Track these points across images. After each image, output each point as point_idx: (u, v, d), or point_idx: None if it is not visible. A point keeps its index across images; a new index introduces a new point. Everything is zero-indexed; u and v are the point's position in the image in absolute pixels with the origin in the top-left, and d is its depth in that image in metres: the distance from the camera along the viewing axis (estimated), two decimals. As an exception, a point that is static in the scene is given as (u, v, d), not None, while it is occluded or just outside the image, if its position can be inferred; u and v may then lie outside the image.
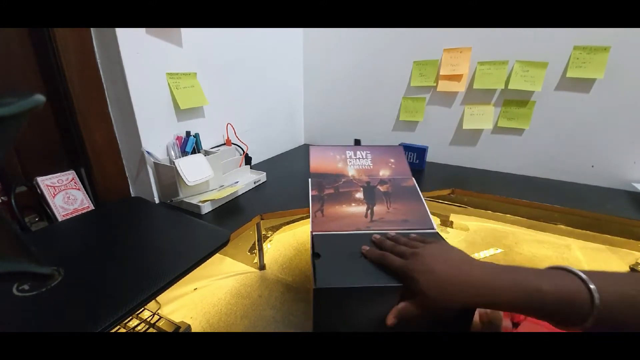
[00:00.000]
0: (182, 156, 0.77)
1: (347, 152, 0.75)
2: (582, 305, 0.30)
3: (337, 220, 0.60)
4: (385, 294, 0.43)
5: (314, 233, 0.56)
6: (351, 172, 0.72)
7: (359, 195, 0.67)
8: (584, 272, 0.32)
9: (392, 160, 0.76)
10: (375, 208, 0.65)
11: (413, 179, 0.73)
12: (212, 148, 0.89)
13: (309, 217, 0.61)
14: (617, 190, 0.89)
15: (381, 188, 0.69)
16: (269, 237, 0.89)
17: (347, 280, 0.44)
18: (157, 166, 0.75)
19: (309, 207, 0.65)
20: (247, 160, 0.95)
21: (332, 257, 0.50)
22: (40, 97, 0.31)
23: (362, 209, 0.64)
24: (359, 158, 0.75)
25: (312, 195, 0.66)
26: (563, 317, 0.32)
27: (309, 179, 0.69)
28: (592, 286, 0.30)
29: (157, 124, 0.75)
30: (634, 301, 0.30)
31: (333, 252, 0.51)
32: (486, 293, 0.35)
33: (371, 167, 0.74)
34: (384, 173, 0.73)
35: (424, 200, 0.67)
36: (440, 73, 1.05)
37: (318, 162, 0.72)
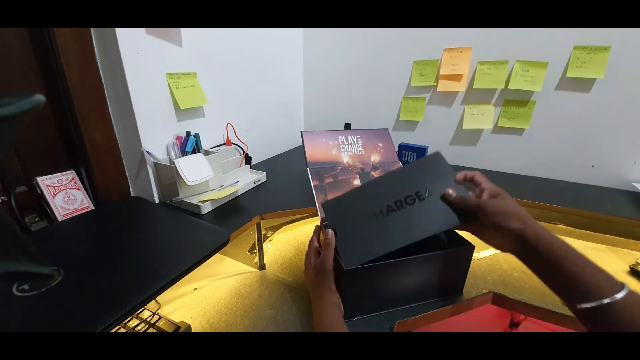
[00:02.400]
0: (182, 156, 0.77)
1: (340, 137, 0.76)
2: (600, 288, 0.33)
3: None
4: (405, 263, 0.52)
5: (325, 223, 0.61)
6: (345, 158, 0.74)
7: (357, 182, 0.71)
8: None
9: (381, 145, 0.79)
10: None
11: (399, 162, 0.78)
12: (212, 148, 0.89)
13: (315, 208, 0.64)
14: (617, 190, 0.89)
15: (374, 174, 0.74)
16: (269, 237, 0.89)
17: (372, 252, 0.50)
18: (157, 166, 0.75)
19: (309, 204, 0.66)
20: (247, 160, 0.95)
21: (348, 228, 0.53)
22: (40, 97, 0.31)
23: None
24: (350, 143, 0.77)
25: (314, 186, 0.67)
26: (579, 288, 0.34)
27: (308, 169, 0.69)
28: (625, 286, 0.33)
29: (157, 124, 0.75)
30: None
31: (347, 222, 0.55)
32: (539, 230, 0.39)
33: (362, 152, 0.76)
34: (375, 158, 0.76)
35: None
36: (440, 73, 1.05)
37: (313, 149, 0.73)
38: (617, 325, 0.31)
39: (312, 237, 0.60)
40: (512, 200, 0.44)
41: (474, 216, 0.45)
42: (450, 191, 0.49)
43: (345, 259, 0.50)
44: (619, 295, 0.32)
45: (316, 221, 0.96)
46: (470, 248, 0.55)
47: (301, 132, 0.74)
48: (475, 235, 0.47)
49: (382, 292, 0.54)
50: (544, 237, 0.39)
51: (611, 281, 0.34)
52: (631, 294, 0.32)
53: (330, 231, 0.53)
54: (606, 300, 0.32)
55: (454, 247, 0.56)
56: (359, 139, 0.78)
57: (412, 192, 0.52)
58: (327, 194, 0.68)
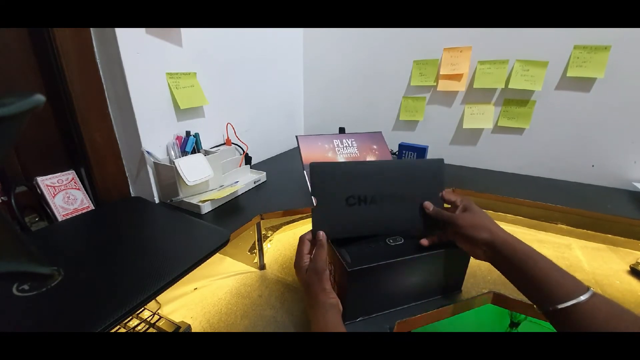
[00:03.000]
0: (182, 156, 0.77)
1: (334, 140, 0.77)
2: (567, 291, 0.35)
3: None
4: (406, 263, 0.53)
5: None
6: (341, 160, 0.75)
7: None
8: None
9: (375, 147, 0.80)
10: None
11: None
12: (212, 148, 0.88)
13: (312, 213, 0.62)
14: (618, 190, 0.89)
15: None
16: (269, 236, 0.89)
17: (342, 231, 0.54)
18: (157, 166, 0.75)
19: (309, 204, 0.65)
20: (247, 160, 0.95)
21: (329, 199, 0.54)
22: (40, 97, 0.31)
23: None
24: (345, 146, 0.78)
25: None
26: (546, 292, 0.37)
27: (304, 171, 0.70)
28: (589, 291, 0.35)
29: (157, 124, 0.75)
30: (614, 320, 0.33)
31: (330, 193, 0.55)
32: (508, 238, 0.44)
33: (358, 154, 0.77)
34: (370, 160, 0.78)
35: None
36: (441, 72, 1.05)
37: (309, 152, 0.74)
38: (582, 326, 0.33)
39: (302, 238, 0.58)
40: (482, 212, 0.49)
41: (442, 227, 0.53)
42: (427, 204, 0.56)
43: (317, 226, 0.53)
44: (583, 297, 0.34)
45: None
46: None
47: (296, 136, 0.75)
48: (456, 244, 0.52)
49: (385, 292, 0.54)
50: (511, 245, 0.43)
51: (577, 285, 0.36)
52: (595, 296, 0.34)
53: (322, 233, 0.53)
54: (570, 303, 0.34)
55: (454, 246, 0.56)
56: (354, 142, 0.79)
57: (401, 192, 0.56)
58: None
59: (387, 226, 0.56)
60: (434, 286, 0.58)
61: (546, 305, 0.36)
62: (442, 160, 0.58)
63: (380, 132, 0.84)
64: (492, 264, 0.46)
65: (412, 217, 0.57)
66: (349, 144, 0.78)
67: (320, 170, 0.53)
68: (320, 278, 0.50)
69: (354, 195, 0.54)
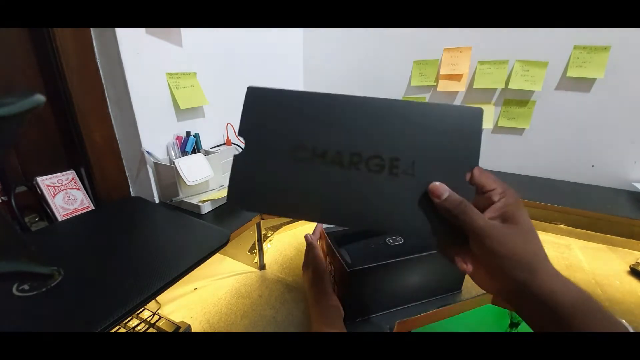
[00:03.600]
0: (182, 156, 0.77)
1: None
2: None
3: None
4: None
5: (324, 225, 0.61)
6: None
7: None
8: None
9: None
10: None
11: None
12: (212, 148, 0.88)
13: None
14: (617, 190, 0.89)
15: None
16: (269, 237, 0.88)
17: (278, 205, 0.33)
18: (157, 166, 0.75)
19: None
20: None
21: (268, 147, 0.33)
22: (40, 97, 0.31)
23: None
24: None
25: None
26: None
27: None
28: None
29: (157, 124, 0.75)
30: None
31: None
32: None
33: None
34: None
35: None
36: (441, 73, 1.05)
37: None
38: None
39: (305, 237, 0.59)
40: (532, 231, 0.30)
41: (462, 238, 0.30)
42: (438, 187, 0.30)
43: (233, 187, 0.33)
44: None
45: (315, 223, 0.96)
46: None
47: None
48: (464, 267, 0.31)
49: (385, 291, 0.54)
50: (555, 300, 0.27)
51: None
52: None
53: (308, 235, 0.53)
54: None
55: None
56: None
57: (389, 153, 0.31)
58: None
59: (363, 212, 0.31)
60: (434, 286, 0.58)
61: None
62: (480, 110, 0.31)
63: None
64: (509, 304, 0.30)
65: (411, 206, 0.30)
66: None
67: (262, 96, 0.34)
68: (320, 279, 0.49)
69: (306, 145, 0.31)
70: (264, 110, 0.33)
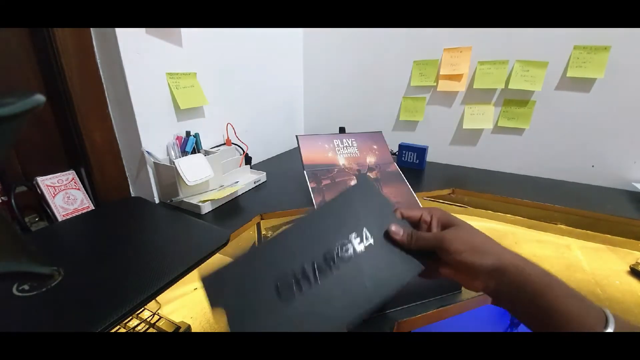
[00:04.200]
0: (182, 156, 0.77)
1: (335, 140, 0.78)
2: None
3: None
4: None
5: None
6: (342, 161, 0.75)
7: (354, 183, 0.68)
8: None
9: (375, 147, 0.80)
10: None
11: (395, 163, 0.79)
12: (212, 148, 0.88)
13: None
14: (617, 190, 0.89)
15: (371, 175, 0.75)
16: (269, 237, 0.88)
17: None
18: (157, 166, 0.75)
19: (309, 204, 0.67)
20: (247, 160, 0.95)
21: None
22: (40, 97, 0.31)
23: None
24: (346, 146, 0.78)
25: (311, 188, 0.68)
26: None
27: (304, 171, 0.70)
28: (609, 320, 0.28)
29: (157, 124, 0.75)
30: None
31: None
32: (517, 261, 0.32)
33: (358, 154, 0.77)
34: (370, 160, 0.78)
35: (408, 184, 0.74)
36: (441, 73, 1.05)
37: (309, 152, 0.74)
38: None
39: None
40: (472, 228, 0.36)
41: (430, 254, 0.36)
42: (394, 228, 0.37)
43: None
44: (609, 331, 0.27)
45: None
46: None
47: (296, 136, 0.75)
48: (443, 275, 0.37)
49: None
50: (524, 271, 0.31)
51: (598, 316, 0.28)
52: (618, 324, 0.28)
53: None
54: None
55: None
56: (354, 142, 0.79)
57: (347, 234, 0.36)
58: (325, 195, 0.68)
59: (369, 292, 0.34)
60: (433, 286, 0.58)
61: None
62: (364, 175, 0.45)
63: (381, 132, 0.84)
64: (492, 298, 0.34)
65: (389, 261, 0.36)
66: (349, 144, 0.78)
67: (216, 280, 0.33)
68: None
69: (281, 280, 0.33)
70: (229, 289, 0.33)
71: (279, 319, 0.32)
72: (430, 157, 1.08)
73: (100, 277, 0.47)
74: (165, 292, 0.46)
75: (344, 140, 0.79)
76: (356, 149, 0.78)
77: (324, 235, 0.36)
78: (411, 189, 0.74)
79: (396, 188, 0.74)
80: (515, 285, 0.31)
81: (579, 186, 0.93)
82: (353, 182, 0.72)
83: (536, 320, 0.31)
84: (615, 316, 0.28)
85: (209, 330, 0.58)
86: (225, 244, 0.57)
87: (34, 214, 0.67)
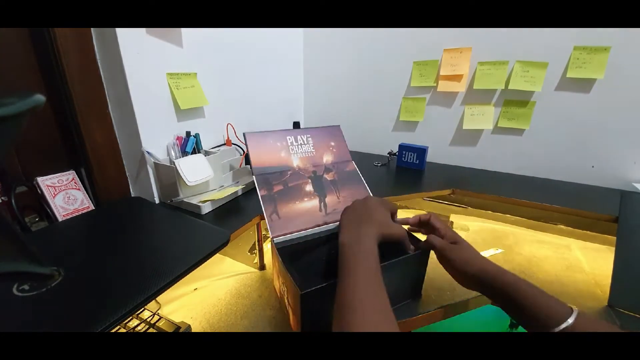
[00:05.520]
0: (182, 156, 0.77)
1: (288, 137, 0.68)
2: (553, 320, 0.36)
3: (294, 219, 0.60)
4: None
5: (275, 240, 0.57)
6: (296, 162, 0.67)
7: (309, 187, 0.65)
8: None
9: (333, 144, 0.73)
10: (326, 200, 0.66)
11: (352, 162, 0.73)
12: (212, 148, 0.89)
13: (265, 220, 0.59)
14: (617, 190, 0.89)
15: (327, 177, 0.68)
16: (269, 237, 0.88)
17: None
18: (157, 166, 0.75)
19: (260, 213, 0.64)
20: (247, 160, 0.95)
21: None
22: (40, 97, 0.31)
23: (314, 202, 0.64)
24: (300, 144, 0.69)
25: (261, 196, 0.60)
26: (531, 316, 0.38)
27: (254, 176, 0.62)
28: (574, 312, 0.36)
29: (157, 124, 0.75)
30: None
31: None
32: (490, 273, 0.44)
33: (314, 153, 0.70)
34: (327, 159, 0.70)
35: (366, 185, 0.70)
36: (441, 73, 1.05)
37: (259, 153, 0.64)
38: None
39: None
40: (470, 247, 0.49)
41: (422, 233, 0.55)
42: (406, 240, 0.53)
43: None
44: (571, 320, 0.35)
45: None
46: (419, 254, 0.53)
47: (244, 133, 0.65)
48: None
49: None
50: (499, 279, 0.42)
51: (563, 308, 0.37)
52: (580, 316, 0.35)
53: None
54: (561, 327, 0.35)
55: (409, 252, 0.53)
56: (310, 138, 0.70)
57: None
58: (277, 203, 0.61)
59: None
60: (393, 295, 0.53)
61: (539, 330, 0.37)
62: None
63: (339, 126, 0.76)
64: (479, 292, 0.46)
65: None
66: (304, 141, 0.69)
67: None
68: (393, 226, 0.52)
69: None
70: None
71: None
72: (430, 158, 1.08)
73: (100, 277, 0.47)
74: (165, 292, 0.46)
75: (299, 137, 0.69)
76: (312, 147, 0.70)
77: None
78: (369, 191, 0.70)
79: (354, 191, 0.69)
80: (495, 289, 0.43)
81: (579, 186, 0.93)
82: (308, 187, 0.65)
83: (515, 314, 0.41)
84: (578, 310, 0.36)
85: (209, 330, 0.58)
86: (225, 244, 0.57)
87: (34, 214, 0.67)
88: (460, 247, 0.49)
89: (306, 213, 0.62)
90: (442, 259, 0.49)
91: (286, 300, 0.54)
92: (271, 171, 0.64)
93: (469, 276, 0.45)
